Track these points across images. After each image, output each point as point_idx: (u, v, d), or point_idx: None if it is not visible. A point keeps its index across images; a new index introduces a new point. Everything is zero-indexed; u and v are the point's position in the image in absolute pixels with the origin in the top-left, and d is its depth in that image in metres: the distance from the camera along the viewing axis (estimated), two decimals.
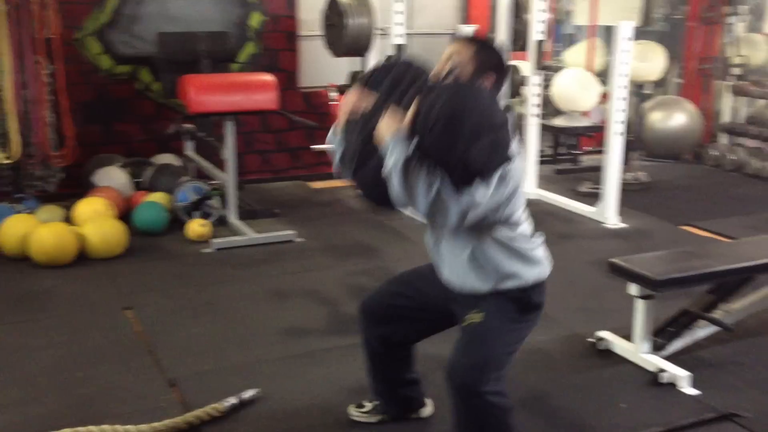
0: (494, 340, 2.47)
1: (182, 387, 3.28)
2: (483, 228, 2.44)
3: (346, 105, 2.46)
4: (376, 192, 2.39)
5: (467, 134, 2.20)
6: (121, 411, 3.06)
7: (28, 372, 3.43)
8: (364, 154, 2.37)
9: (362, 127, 2.40)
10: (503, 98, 2.51)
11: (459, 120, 2.20)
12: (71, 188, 5.69)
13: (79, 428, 2.88)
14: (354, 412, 3.05)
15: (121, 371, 3.43)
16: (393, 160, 2.25)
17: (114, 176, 5.68)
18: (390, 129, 2.28)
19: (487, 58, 2.46)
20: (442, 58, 2.48)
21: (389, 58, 2.48)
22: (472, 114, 2.22)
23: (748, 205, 6.32)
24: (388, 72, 2.48)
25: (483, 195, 2.30)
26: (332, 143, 2.56)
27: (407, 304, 2.76)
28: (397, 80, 2.45)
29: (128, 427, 2.90)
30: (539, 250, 2.59)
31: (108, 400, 3.18)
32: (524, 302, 2.54)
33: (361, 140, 2.39)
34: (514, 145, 2.36)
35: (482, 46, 2.49)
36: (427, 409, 3.05)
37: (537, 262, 2.57)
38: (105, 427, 2.89)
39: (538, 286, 2.57)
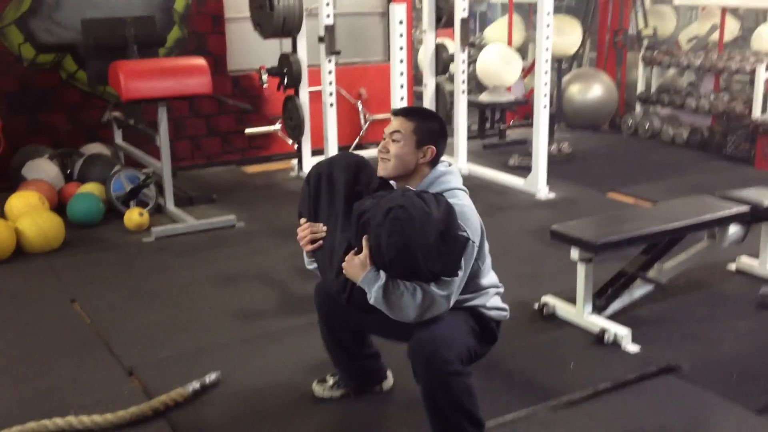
0: (455, 326, 2.56)
1: (141, 375, 3.29)
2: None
3: (302, 238, 2.65)
4: (373, 313, 2.51)
5: (420, 256, 2.36)
6: (83, 402, 3.06)
7: None
8: (345, 288, 2.53)
9: (331, 258, 2.57)
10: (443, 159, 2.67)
11: (406, 249, 2.36)
12: None
13: (45, 421, 2.87)
14: (317, 388, 3.12)
15: (77, 363, 3.41)
16: (373, 292, 2.42)
17: (43, 168, 5.56)
18: (357, 271, 2.44)
19: (427, 129, 2.62)
20: (385, 132, 2.63)
21: (308, 176, 2.68)
22: (413, 238, 2.36)
23: (665, 170, 6.63)
24: (318, 183, 2.66)
25: (461, 278, 2.48)
26: (310, 267, 2.75)
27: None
28: (330, 184, 2.63)
29: (94, 417, 2.90)
30: (498, 298, 2.73)
31: (68, 392, 3.17)
32: (483, 322, 2.65)
33: (336, 275, 2.54)
34: (459, 195, 2.54)
35: (422, 118, 2.65)
36: (389, 381, 3.15)
37: (499, 306, 2.72)
38: (71, 418, 2.89)
39: (497, 321, 2.72)
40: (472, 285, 2.62)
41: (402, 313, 2.44)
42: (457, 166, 2.70)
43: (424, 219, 2.36)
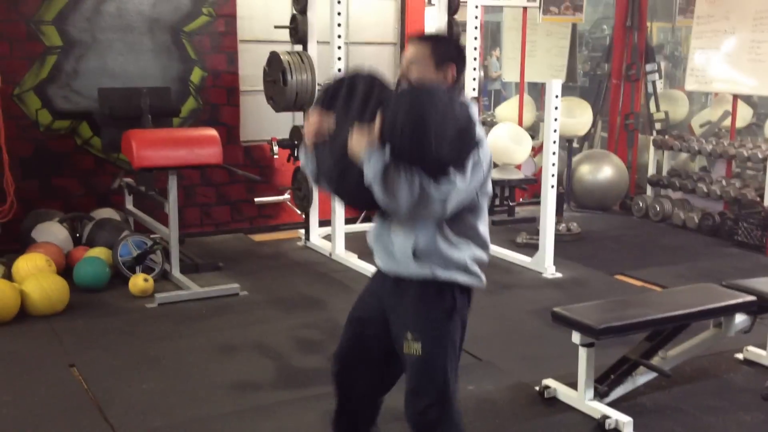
0: (440, 365, 2.56)
1: None
2: (450, 218, 2.51)
3: (310, 127, 2.53)
4: (359, 201, 2.52)
5: (433, 134, 2.32)
6: None
7: None
8: (340, 170, 2.46)
9: (332, 147, 2.48)
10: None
11: (422, 123, 2.32)
12: (9, 244, 5.60)
13: None
14: None
15: (70, 430, 3.37)
16: (372, 170, 2.34)
17: (53, 231, 5.59)
18: (361, 144, 2.37)
19: (444, 50, 2.61)
20: (403, 62, 2.63)
21: (328, 83, 2.62)
22: (433, 114, 2.34)
23: (676, 254, 6.59)
24: (341, 88, 2.57)
25: (462, 180, 2.39)
26: (304, 163, 2.64)
27: (361, 330, 2.78)
28: (351, 90, 2.54)
29: None
30: (479, 259, 2.64)
31: None
32: (454, 303, 2.59)
33: (335, 159, 2.47)
34: (479, 131, 2.48)
35: (437, 41, 2.66)
36: None
37: (476, 273, 2.63)
38: None
39: (468, 291, 2.65)
40: (467, 223, 2.55)
41: (394, 200, 2.36)
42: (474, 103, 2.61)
43: (447, 107, 2.36)
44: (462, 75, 2.65)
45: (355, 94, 2.53)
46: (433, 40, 2.67)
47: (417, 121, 2.33)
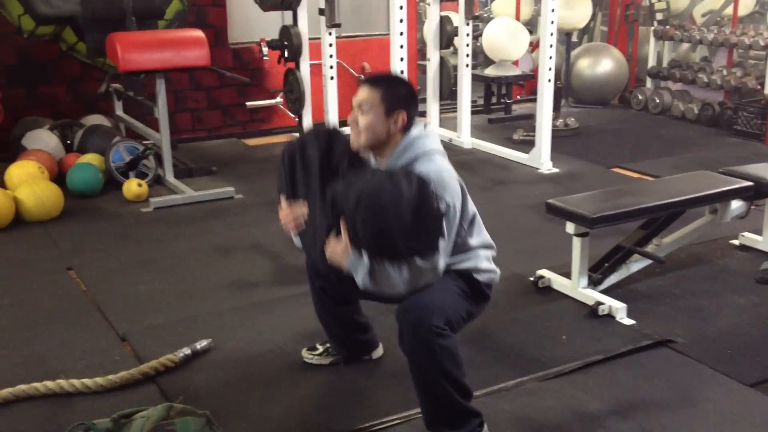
0: (444, 291, 2.53)
1: (133, 341, 3.30)
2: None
3: (285, 220, 2.67)
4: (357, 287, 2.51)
5: (396, 238, 2.34)
6: (74, 367, 3.06)
7: None
8: (335, 271, 2.53)
9: (314, 241, 2.59)
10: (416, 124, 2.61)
11: (381, 235, 2.35)
12: None
13: (35, 384, 2.88)
14: (307, 355, 3.12)
15: (70, 329, 3.42)
16: (360, 277, 2.42)
17: (44, 139, 5.55)
18: (339, 257, 2.44)
19: (394, 96, 2.54)
20: (354, 106, 2.56)
21: (282, 156, 2.69)
22: (386, 221, 2.33)
23: (674, 146, 6.55)
24: (293, 158, 2.64)
25: (444, 240, 2.44)
26: (297, 245, 2.79)
27: None
28: (303, 159, 2.61)
29: (84, 380, 2.91)
30: (487, 261, 2.68)
31: (59, 357, 3.17)
32: (474, 284, 2.62)
33: (324, 263, 2.52)
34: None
35: (387, 85, 2.57)
36: (378, 351, 3.14)
37: (488, 269, 2.67)
38: (61, 381, 2.90)
39: (488, 284, 2.68)
40: (461, 246, 2.59)
41: (392, 291, 2.45)
42: (432, 129, 2.61)
43: (396, 201, 2.32)
44: (414, 117, 2.58)
45: (310, 163, 2.59)
46: (384, 84, 2.57)
47: (376, 234, 2.35)
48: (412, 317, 2.46)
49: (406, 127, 2.57)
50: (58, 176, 5.25)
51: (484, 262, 2.65)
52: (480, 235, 2.67)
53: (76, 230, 4.65)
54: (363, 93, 2.55)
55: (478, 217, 2.67)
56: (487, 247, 2.69)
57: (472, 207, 2.63)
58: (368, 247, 2.39)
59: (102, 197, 5.19)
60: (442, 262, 2.47)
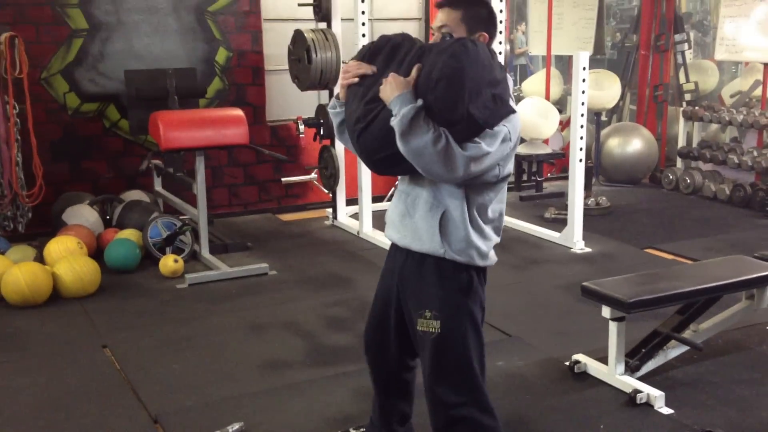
0: (461, 341, 2.50)
1: (166, 423, 3.29)
2: (473, 188, 2.46)
3: (346, 73, 2.48)
4: (379, 155, 2.42)
5: (468, 90, 2.27)
6: None
7: (12, 413, 3.42)
8: (367, 116, 2.39)
9: (364, 92, 2.43)
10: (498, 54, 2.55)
11: (459, 78, 2.27)
12: (39, 227, 5.68)
13: None
14: None
15: (104, 409, 3.43)
16: (402, 112, 2.27)
17: (83, 214, 5.65)
18: (395, 89, 2.31)
19: (476, 16, 2.52)
20: (434, 28, 2.54)
21: (383, 36, 2.58)
22: (470, 71, 2.28)
23: (707, 227, 6.51)
24: (384, 45, 2.52)
25: (489, 145, 2.34)
26: (332, 111, 2.59)
27: (383, 315, 2.77)
28: (394, 49, 2.49)
29: None
30: (493, 241, 2.60)
31: None
32: (469, 280, 2.54)
33: (365, 103, 2.41)
34: (512, 102, 2.44)
35: (469, 5, 2.53)
36: None
37: (488, 253, 2.58)
38: None
39: (484, 270, 2.60)
40: (490, 204, 2.52)
41: (416, 150, 2.28)
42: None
43: (487, 66, 2.31)
44: (493, 41, 2.56)
45: (398, 51, 2.48)
46: (465, 3, 2.52)
47: (452, 74, 2.27)
48: (438, 401, 2.48)
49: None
50: (97, 251, 5.34)
51: (483, 247, 2.54)
52: (501, 201, 2.58)
53: (112, 307, 4.70)
54: (444, 14, 2.51)
55: (506, 188, 2.60)
56: (496, 228, 2.60)
57: (512, 163, 2.55)
58: (436, 82, 2.28)
59: (139, 273, 5.26)
60: (474, 164, 2.33)
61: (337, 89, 2.54)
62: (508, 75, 2.50)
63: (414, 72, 2.33)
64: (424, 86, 2.31)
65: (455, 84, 2.27)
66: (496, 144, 2.36)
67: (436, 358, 2.53)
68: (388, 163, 2.44)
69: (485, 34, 2.52)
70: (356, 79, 2.46)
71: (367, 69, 2.46)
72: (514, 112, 2.41)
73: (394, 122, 2.29)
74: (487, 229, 2.55)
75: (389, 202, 6.68)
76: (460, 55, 2.29)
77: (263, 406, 3.44)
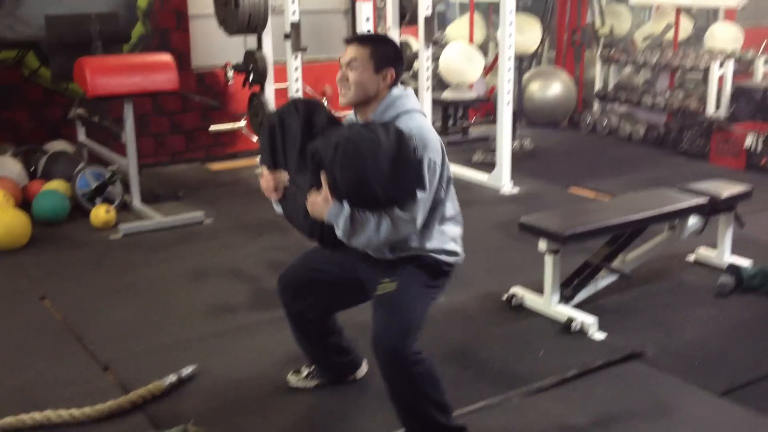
0: (411, 304, 2.63)
1: (117, 369, 3.31)
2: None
3: (265, 186, 2.71)
4: (348, 245, 2.59)
5: (374, 186, 2.44)
6: (59, 397, 3.05)
7: None
8: (314, 229, 2.64)
9: (295, 205, 2.65)
10: (401, 83, 2.70)
11: (361, 183, 2.44)
12: None
13: (22, 416, 2.88)
14: (292, 379, 3.18)
15: (50, 359, 3.41)
16: (341, 227, 2.49)
17: (7, 165, 5.49)
18: (320, 208, 2.51)
19: (384, 53, 2.63)
20: (342, 63, 2.64)
21: (264, 128, 2.79)
22: (365, 169, 2.43)
23: (624, 165, 6.79)
24: (274, 134, 2.70)
25: (424, 192, 2.52)
26: (278, 210, 2.80)
27: (321, 277, 2.89)
28: (286, 134, 2.66)
29: (72, 411, 2.91)
30: (453, 243, 2.75)
31: (43, 388, 3.17)
32: (436, 269, 2.71)
33: (303, 218, 2.61)
34: (414, 118, 2.57)
35: (377, 43, 2.66)
36: (362, 370, 3.21)
37: (456, 252, 2.75)
38: (49, 413, 2.90)
39: (452, 264, 2.76)
40: (437, 212, 2.66)
41: (371, 242, 2.53)
42: (411, 89, 2.71)
43: (374, 148, 2.42)
44: (401, 76, 2.68)
45: (290, 134, 2.65)
46: (373, 42, 2.66)
47: (355, 181, 2.45)
48: (385, 348, 2.55)
49: (392, 86, 2.65)
50: (23, 203, 5.20)
51: (450, 243, 2.71)
52: (453, 203, 2.75)
53: (45, 259, 4.61)
54: (353, 50, 2.62)
55: (453, 185, 2.75)
56: (457, 222, 2.76)
57: (449, 170, 2.70)
58: (348, 196, 2.46)
59: (69, 224, 5.16)
60: (421, 214, 2.54)
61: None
62: (407, 95, 2.64)
63: (324, 185, 2.49)
64: (340, 193, 2.48)
65: (362, 190, 2.45)
66: (432, 183, 2.55)
67: (387, 308, 2.64)
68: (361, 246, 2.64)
69: (392, 69, 2.64)
70: (281, 193, 2.70)
71: (283, 182, 2.68)
72: (421, 161, 2.50)
73: (339, 234, 2.51)
74: (449, 227, 2.71)
75: None
76: (350, 163, 2.43)
77: (213, 349, 3.49)
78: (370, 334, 2.59)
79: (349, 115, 2.79)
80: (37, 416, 2.88)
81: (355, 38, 2.67)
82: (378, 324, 2.61)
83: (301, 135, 2.63)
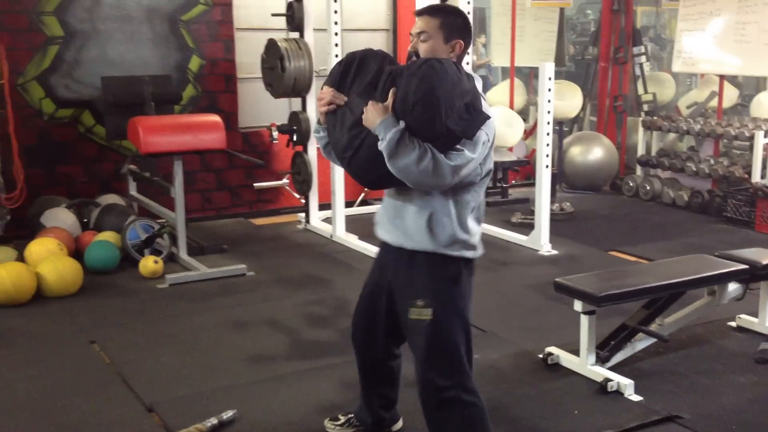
0: (449, 330, 2.69)
1: (160, 411, 3.40)
2: (457, 188, 2.64)
3: (321, 99, 2.66)
4: (370, 176, 2.63)
5: (443, 108, 2.45)
6: None
7: (7, 403, 3.51)
8: (353, 142, 2.58)
9: (343, 119, 2.60)
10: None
11: (432, 98, 2.44)
12: (17, 231, 5.71)
13: None
14: (329, 425, 3.24)
15: (97, 400, 3.52)
16: (388, 137, 2.46)
17: (61, 217, 5.71)
18: (376, 115, 2.50)
19: (453, 24, 2.69)
20: (412, 33, 2.71)
21: (341, 59, 2.78)
22: (441, 90, 2.46)
23: (666, 231, 6.78)
24: (351, 62, 2.69)
25: (472, 151, 2.53)
26: (317, 135, 2.79)
27: (369, 292, 2.97)
28: (361, 65, 2.66)
29: None
30: (478, 233, 2.78)
31: (91, 426, 3.28)
32: (456, 270, 2.74)
33: (347, 130, 2.59)
34: (485, 104, 2.62)
35: (446, 13, 2.72)
36: (399, 425, 3.26)
37: (476, 245, 2.78)
38: None
39: (471, 262, 2.79)
40: (474, 199, 2.70)
41: (406, 168, 2.49)
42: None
43: (455, 80, 2.47)
44: (468, 47, 2.75)
45: (366, 70, 2.65)
46: (443, 12, 2.71)
47: (427, 96, 2.45)
48: (421, 379, 2.65)
49: (460, 57, 2.70)
50: (75, 253, 5.39)
51: (470, 236, 2.74)
52: (481, 195, 2.75)
53: (95, 305, 4.77)
54: (422, 22, 2.68)
55: (489, 177, 2.76)
56: (479, 213, 2.77)
57: (492, 161, 2.73)
58: (412, 106, 2.46)
59: (118, 274, 5.33)
60: (459, 172, 2.53)
61: (316, 114, 2.71)
62: (478, 78, 2.69)
63: (390, 97, 2.51)
64: (401, 110, 2.49)
65: (430, 105, 2.45)
66: (478, 149, 2.56)
67: (427, 344, 2.71)
68: (380, 181, 2.67)
69: (461, 41, 2.70)
70: (333, 107, 2.63)
71: (340, 99, 2.62)
72: (489, 117, 2.59)
73: (382, 146, 2.48)
74: (471, 222, 2.74)
75: (361, 207, 6.86)
76: (430, 77, 2.47)
77: (253, 396, 3.57)
78: (416, 374, 2.65)
79: None
80: None
81: (425, 10, 2.72)
82: (420, 364, 2.69)
83: (376, 71, 2.63)
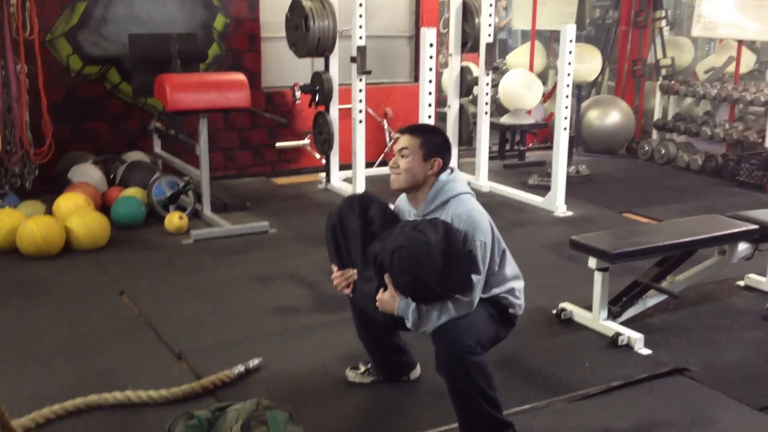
0: (475, 315, 2.81)
1: (189, 359, 3.56)
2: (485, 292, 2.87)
3: (339, 287, 3.03)
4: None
5: (434, 283, 2.67)
6: (136, 381, 3.32)
7: (41, 349, 3.67)
8: (388, 317, 2.90)
9: (365, 294, 2.93)
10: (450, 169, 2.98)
11: (420, 282, 2.66)
12: (44, 185, 5.87)
13: (105, 394, 3.14)
14: (350, 374, 3.40)
15: (129, 347, 3.70)
16: (410, 319, 2.76)
17: (88, 172, 5.86)
18: (391, 304, 2.78)
19: (432, 143, 2.91)
20: (395, 150, 2.93)
21: (326, 229, 3.12)
22: (424, 269, 2.65)
23: (680, 194, 6.87)
24: (336, 234, 3.03)
25: (477, 272, 2.76)
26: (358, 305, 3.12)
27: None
28: (346, 231, 2.99)
29: (150, 392, 3.17)
30: (515, 291, 2.96)
31: (122, 372, 3.44)
32: (502, 311, 2.93)
33: (381, 315, 2.88)
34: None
35: (426, 134, 2.94)
36: (416, 372, 3.41)
37: (516, 301, 2.97)
38: (129, 393, 3.16)
39: (515, 314, 3.00)
40: (495, 277, 2.89)
41: (436, 325, 2.76)
42: (457, 172, 2.99)
43: (425, 249, 2.65)
44: (448, 164, 2.95)
45: (350, 231, 2.98)
46: (424, 132, 2.94)
47: (413, 283, 2.67)
48: (447, 338, 2.75)
49: (440, 173, 2.92)
50: (102, 208, 5.55)
51: (514, 293, 2.95)
52: (511, 267, 2.97)
53: (123, 258, 4.94)
54: (404, 140, 2.92)
55: (508, 252, 2.97)
56: (517, 277, 2.98)
57: (501, 242, 2.94)
58: (410, 294, 2.71)
59: (144, 228, 5.49)
60: (476, 295, 2.78)
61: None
62: (455, 173, 2.93)
63: (388, 283, 2.75)
64: (402, 290, 2.73)
65: (421, 289, 2.68)
66: (482, 267, 2.76)
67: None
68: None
69: (440, 159, 2.91)
70: (351, 282, 3.00)
71: (351, 276, 3.00)
72: (470, 252, 2.74)
73: (409, 325, 2.78)
74: (510, 282, 2.93)
75: (381, 168, 6.96)
76: (406, 267, 2.65)
77: (277, 345, 3.73)
78: (434, 331, 2.79)
79: (400, 197, 3.06)
80: (118, 395, 3.14)
81: (407, 129, 2.97)
82: (442, 324, 2.81)
83: (360, 232, 2.96)
